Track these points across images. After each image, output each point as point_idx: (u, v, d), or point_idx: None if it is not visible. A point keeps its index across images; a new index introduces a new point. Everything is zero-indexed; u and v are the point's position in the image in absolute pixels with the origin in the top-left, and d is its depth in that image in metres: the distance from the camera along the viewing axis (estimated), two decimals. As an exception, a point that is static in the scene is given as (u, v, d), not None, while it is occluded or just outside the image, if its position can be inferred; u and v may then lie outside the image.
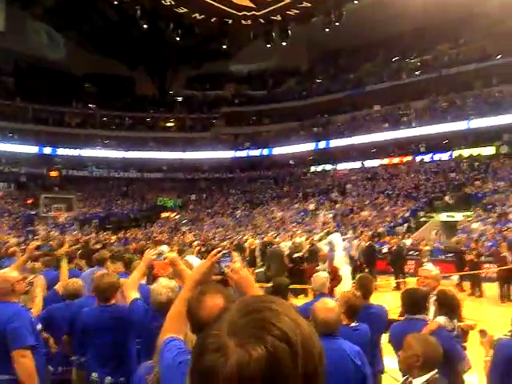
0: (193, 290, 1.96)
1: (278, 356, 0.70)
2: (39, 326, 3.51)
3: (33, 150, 35.23)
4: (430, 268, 5.20)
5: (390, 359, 4.03)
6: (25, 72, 37.13)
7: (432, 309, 4.11)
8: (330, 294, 4.20)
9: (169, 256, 4.22)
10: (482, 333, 3.36)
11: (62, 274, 5.11)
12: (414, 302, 3.65)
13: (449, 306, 3.72)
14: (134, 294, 3.28)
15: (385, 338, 4.11)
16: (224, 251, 2.11)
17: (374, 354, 3.87)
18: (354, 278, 12.32)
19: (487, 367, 3.17)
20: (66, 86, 37.74)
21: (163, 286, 3.30)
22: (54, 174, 34.77)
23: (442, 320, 3.57)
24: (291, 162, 37.07)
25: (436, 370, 2.59)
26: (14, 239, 16.55)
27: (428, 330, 3.37)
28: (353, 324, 3.45)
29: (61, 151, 36.31)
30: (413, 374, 2.62)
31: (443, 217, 21.64)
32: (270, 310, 0.76)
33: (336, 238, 12.30)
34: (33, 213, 29.96)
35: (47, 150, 35.79)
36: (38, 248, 5.13)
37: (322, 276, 4.53)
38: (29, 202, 31.74)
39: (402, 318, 3.92)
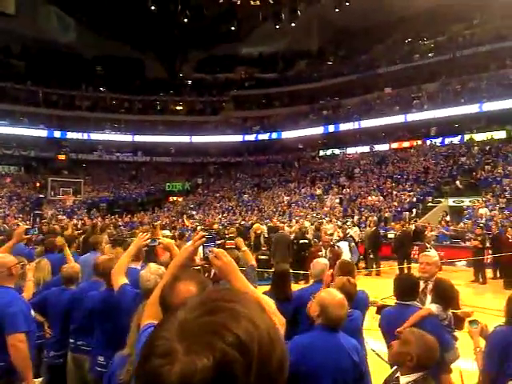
0: (174, 275, 1.93)
1: (227, 366, 0.63)
2: (32, 312, 3.55)
3: (42, 133, 35.54)
4: (432, 254, 5.13)
5: (380, 343, 4.03)
6: (35, 55, 37.17)
7: (429, 297, 4.06)
8: (332, 279, 4.17)
9: (163, 241, 4.19)
10: (472, 322, 3.30)
11: (68, 261, 5.17)
12: (405, 289, 3.63)
13: (444, 295, 3.68)
14: (122, 280, 3.24)
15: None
16: (209, 236, 2.03)
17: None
18: (356, 265, 12.35)
19: (479, 357, 3.13)
20: (76, 69, 37.70)
21: (152, 271, 3.28)
22: (61, 157, 35.01)
23: (433, 308, 3.55)
24: (300, 145, 36.82)
25: (427, 371, 2.52)
26: (21, 223, 16.71)
27: (418, 317, 3.37)
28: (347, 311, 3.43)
29: (70, 135, 36.52)
30: (402, 370, 2.55)
31: (451, 202, 21.36)
32: (229, 311, 0.69)
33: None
34: (41, 196, 30.23)
35: (57, 134, 36.06)
36: (26, 232, 5.16)
37: (321, 262, 4.48)
38: (37, 185, 32.04)
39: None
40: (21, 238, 5.06)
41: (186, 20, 12.03)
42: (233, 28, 13.63)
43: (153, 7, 11.45)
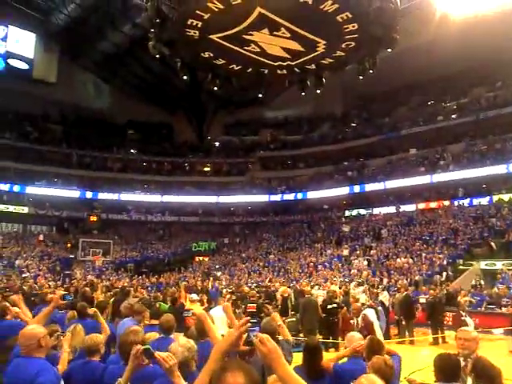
0: (219, 361, 1.95)
1: None
2: (62, 383, 3.50)
3: (75, 194, 36.68)
4: (469, 328, 4.99)
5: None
6: (71, 120, 39.27)
7: (469, 379, 3.91)
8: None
9: (196, 313, 4.22)
10: None
11: (103, 328, 5.00)
12: (447, 370, 3.45)
13: (487, 376, 3.51)
14: None
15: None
16: (253, 320, 2.11)
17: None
18: (387, 331, 11.96)
19: None
20: (109, 133, 39.59)
21: (180, 345, 3.27)
22: (93, 218, 35.82)
23: None
24: (325, 206, 36.84)
25: None
26: (51, 283, 16.89)
27: None
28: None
29: (101, 195, 37.61)
30: None
31: (483, 265, 20.74)
32: None
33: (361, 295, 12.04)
34: (71, 256, 30.69)
35: (88, 195, 37.15)
36: (63, 297, 5.16)
37: (356, 337, 4.38)
38: (68, 245, 32.65)
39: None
40: (58, 304, 5.07)
41: (214, 88, 12.57)
42: (260, 95, 14.22)
43: (184, 77, 12.04)
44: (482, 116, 30.42)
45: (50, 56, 35.10)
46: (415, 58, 28.78)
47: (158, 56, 10.59)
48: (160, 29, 9.55)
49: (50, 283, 18.49)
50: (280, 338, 4.37)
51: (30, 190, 34.86)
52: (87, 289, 12.21)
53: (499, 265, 19.89)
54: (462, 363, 3.88)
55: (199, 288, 17.30)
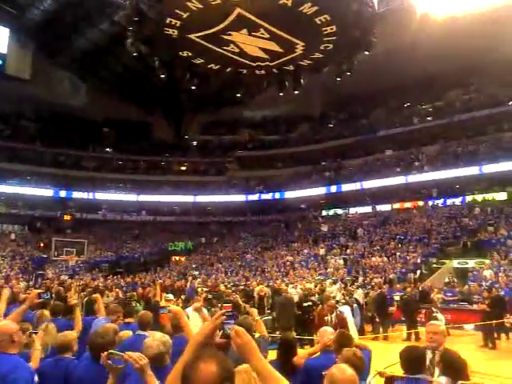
0: (194, 352, 1.96)
1: None
2: (36, 378, 3.45)
3: (48, 193, 36.04)
4: (438, 322, 5.10)
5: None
6: (46, 117, 38.48)
7: (437, 369, 4.01)
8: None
9: (172, 309, 4.22)
10: None
11: (76, 324, 5.00)
12: (412, 361, 3.53)
13: (452, 367, 3.61)
14: None
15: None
16: (228, 313, 2.13)
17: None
18: (362, 328, 12.14)
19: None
20: (85, 131, 38.88)
21: (155, 339, 3.29)
22: (67, 217, 35.22)
23: (443, 381, 3.46)
24: (303, 205, 37.10)
25: None
26: (22, 283, 16.54)
27: None
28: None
29: (75, 194, 37.07)
30: None
31: (455, 263, 21.20)
32: None
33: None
34: (44, 256, 30.01)
35: (62, 193, 36.54)
36: (39, 296, 5.09)
37: (328, 331, 4.41)
38: (41, 245, 31.96)
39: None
40: (33, 302, 4.99)
41: (193, 87, 12.55)
42: (238, 95, 14.21)
43: (162, 75, 11.98)
44: (456, 118, 31.12)
45: (25, 52, 34.29)
46: (393, 61, 29.19)
47: (135, 54, 10.48)
48: (138, 27, 9.44)
49: (22, 284, 18.05)
50: (257, 334, 4.39)
51: (2, 188, 34.13)
52: (61, 288, 12.09)
53: (471, 263, 20.37)
54: (430, 355, 3.99)
55: (176, 288, 17.18)
